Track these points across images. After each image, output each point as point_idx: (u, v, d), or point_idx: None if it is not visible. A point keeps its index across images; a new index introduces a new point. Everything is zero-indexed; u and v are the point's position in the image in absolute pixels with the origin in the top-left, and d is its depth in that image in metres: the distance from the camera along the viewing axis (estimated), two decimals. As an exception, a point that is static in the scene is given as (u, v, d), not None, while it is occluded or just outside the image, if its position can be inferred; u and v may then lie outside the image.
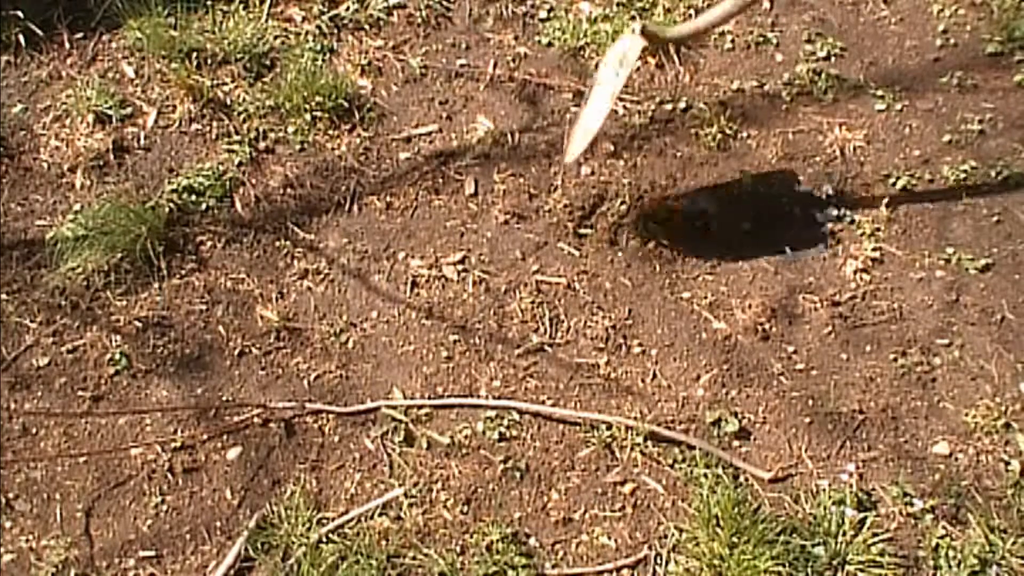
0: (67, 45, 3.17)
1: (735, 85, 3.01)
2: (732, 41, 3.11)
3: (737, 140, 2.88)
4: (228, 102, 3.01)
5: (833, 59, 3.04)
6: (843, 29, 3.13)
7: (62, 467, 2.38)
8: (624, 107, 2.97)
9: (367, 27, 3.20)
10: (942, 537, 2.15)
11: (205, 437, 2.41)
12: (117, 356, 2.52)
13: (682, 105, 2.97)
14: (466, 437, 2.37)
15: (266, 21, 3.18)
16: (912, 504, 2.21)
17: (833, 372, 2.45)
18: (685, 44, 2.52)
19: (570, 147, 2.64)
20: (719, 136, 2.88)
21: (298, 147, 2.92)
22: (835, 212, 2.71)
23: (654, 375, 2.47)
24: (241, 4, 3.19)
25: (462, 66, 3.10)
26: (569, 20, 3.15)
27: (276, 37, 3.14)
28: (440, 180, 2.85)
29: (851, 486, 2.24)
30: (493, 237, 2.73)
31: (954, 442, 2.32)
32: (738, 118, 2.92)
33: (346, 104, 2.97)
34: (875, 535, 2.15)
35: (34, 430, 2.44)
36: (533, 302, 2.59)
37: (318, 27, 3.16)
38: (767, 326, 2.52)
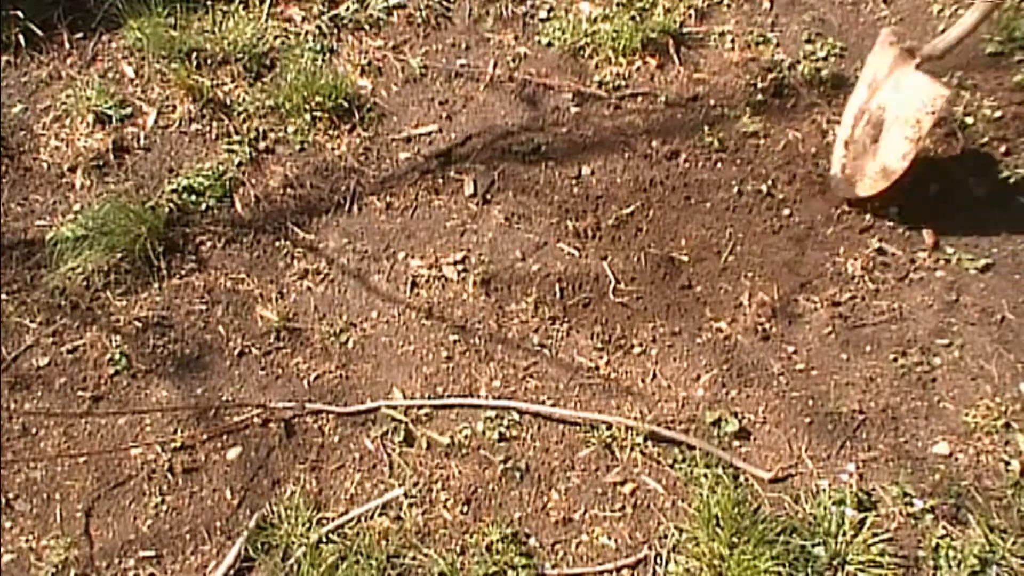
0: (67, 45, 3.17)
1: (736, 85, 3.00)
2: (732, 41, 3.11)
3: (739, 140, 2.88)
4: (228, 102, 3.01)
5: (833, 59, 3.04)
6: (843, 29, 3.13)
7: (62, 467, 2.38)
8: (625, 107, 2.97)
9: (367, 27, 3.20)
10: (942, 537, 2.15)
11: (205, 437, 2.41)
12: (117, 356, 2.52)
13: (683, 105, 2.97)
14: (466, 437, 2.37)
15: (266, 21, 3.18)
16: (912, 504, 2.21)
17: (833, 372, 2.45)
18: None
19: (861, 184, 2.61)
20: (720, 136, 2.87)
21: (298, 147, 2.92)
22: (836, 211, 2.71)
23: (654, 375, 2.47)
24: (241, 4, 3.19)
25: (462, 66, 3.10)
26: (569, 20, 3.15)
27: (276, 37, 3.14)
28: (440, 180, 2.85)
29: (851, 486, 2.24)
30: (493, 237, 2.73)
31: (954, 442, 2.32)
32: (740, 118, 2.92)
33: (346, 104, 2.97)
34: (875, 535, 2.15)
35: (34, 430, 2.44)
36: (533, 302, 2.59)
37: (318, 27, 3.16)
38: (767, 326, 2.52)
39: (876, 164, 2.57)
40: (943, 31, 3.05)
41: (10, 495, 2.34)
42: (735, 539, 2.11)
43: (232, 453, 2.39)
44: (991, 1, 2.42)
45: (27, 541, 2.27)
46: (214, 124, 2.97)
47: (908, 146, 2.48)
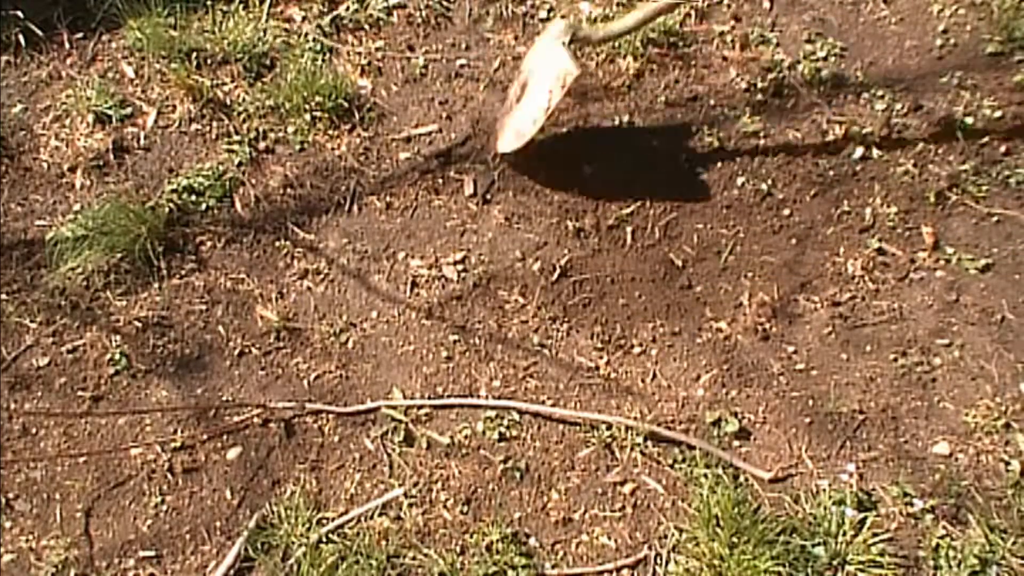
0: (67, 45, 3.17)
1: (736, 85, 3.00)
2: (732, 41, 3.10)
3: (739, 140, 2.88)
4: (228, 102, 3.01)
5: (833, 59, 3.04)
6: (843, 29, 3.13)
7: (62, 467, 2.38)
8: (624, 107, 2.97)
9: (367, 27, 3.20)
10: (942, 537, 2.15)
11: (205, 437, 2.41)
12: (117, 356, 2.52)
13: (683, 105, 2.97)
14: (466, 437, 2.37)
15: (266, 21, 3.18)
16: (912, 504, 2.21)
17: (833, 372, 2.45)
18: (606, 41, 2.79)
19: (502, 139, 2.76)
20: (720, 136, 2.87)
21: (298, 147, 2.93)
22: (836, 211, 2.72)
23: (654, 375, 2.47)
24: (241, 4, 3.19)
25: (462, 66, 3.10)
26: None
27: (276, 37, 3.14)
28: (440, 180, 2.85)
29: (851, 486, 2.24)
30: (493, 237, 2.73)
31: (954, 442, 2.32)
32: (740, 118, 2.92)
33: (346, 104, 2.97)
34: (875, 535, 2.15)
35: (34, 430, 2.44)
36: (533, 302, 2.59)
37: (318, 27, 3.16)
38: (767, 326, 2.52)
39: (514, 123, 2.71)
40: (943, 31, 3.05)
41: (10, 495, 2.34)
42: (735, 539, 2.11)
43: (232, 453, 2.39)
44: (654, 10, 2.56)
45: (27, 541, 2.27)
46: (214, 124, 2.97)
47: (538, 114, 2.59)
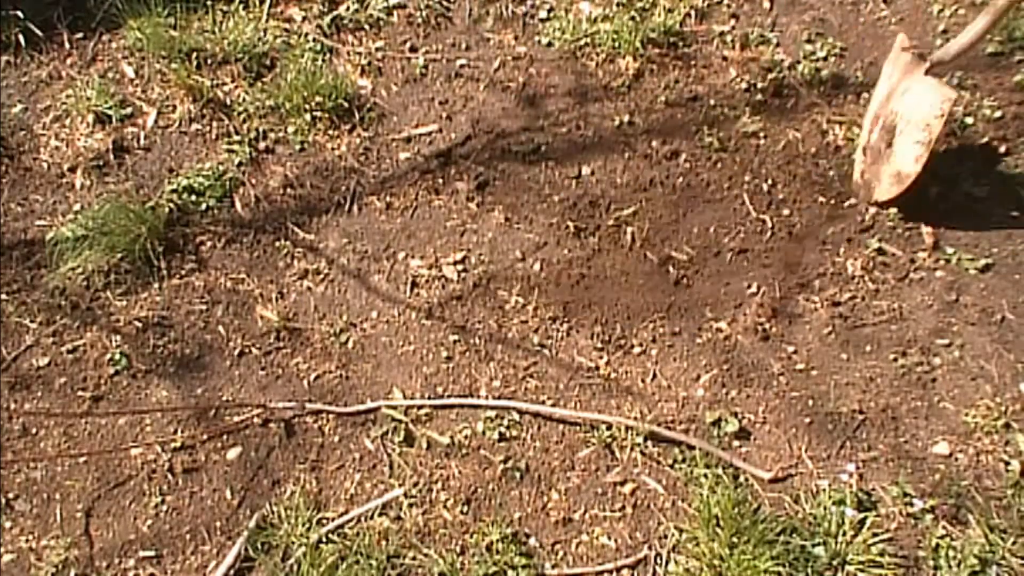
0: (67, 45, 3.17)
1: (736, 85, 3.01)
2: (732, 41, 3.11)
3: (739, 140, 2.88)
4: (228, 102, 3.01)
5: (833, 59, 3.04)
6: (843, 29, 3.13)
7: (62, 467, 2.38)
8: (625, 107, 2.97)
9: (367, 27, 3.20)
10: (942, 537, 2.15)
11: (205, 437, 2.41)
12: (117, 356, 2.52)
13: (683, 105, 2.97)
14: (466, 437, 2.37)
15: (266, 21, 3.18)
16: (912, 504, 2.20)
17: (833, 372, 2.45)
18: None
19: (879, 189, 2.65)
20: (720, 136, 2.88)
21: (298, 147, 2.93)
22: (836, 211, 2.71)
23: (654, 375, 2.47)
24: (241, 4, 3.19)
25: (462, 66, 3.10)
26: (569, 20, 3.15)
27: (276, 37, 3.14)
28: (440, 180, 2.85)
29: (851, 486, 2.24)
30: (493, 237, 2.73)
31: (954, 442, 2.32)
32: (740, 118, 2.92)
33: (346, 104, 2.97)
34: (875, 535, 2.15)
35: (34, 430, 2.44)
36: (533, 302, 2.59)
37: (318, 27, 3.16)
38: (767, 326, 2.52)
39: (891, 168, 2.60)
40: (943, 31, 3.06)
41: (10, 495, 2.34)
42: (735, 539, 2.11)
43: (232, 453, 2.39)
44: (1000, 8, 2.45)
45: (27, 541, 2.27)
46: (214, 124, 2.97)
47: (920, 149, 2.51)
